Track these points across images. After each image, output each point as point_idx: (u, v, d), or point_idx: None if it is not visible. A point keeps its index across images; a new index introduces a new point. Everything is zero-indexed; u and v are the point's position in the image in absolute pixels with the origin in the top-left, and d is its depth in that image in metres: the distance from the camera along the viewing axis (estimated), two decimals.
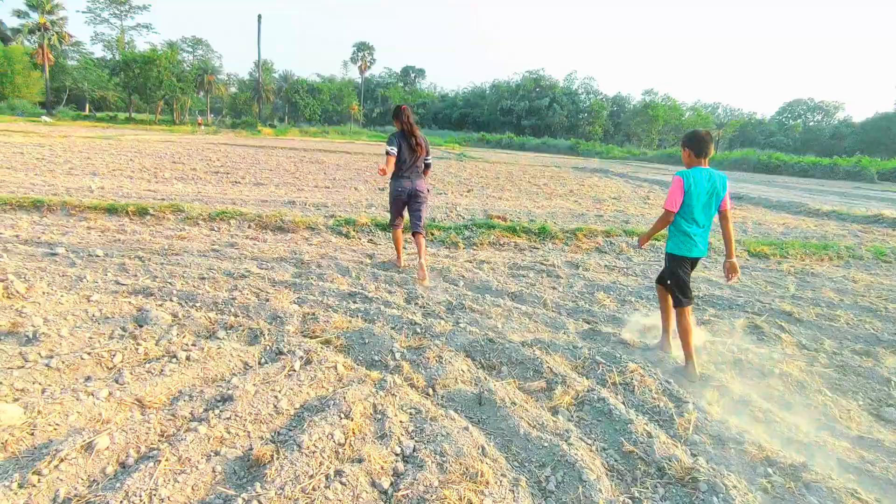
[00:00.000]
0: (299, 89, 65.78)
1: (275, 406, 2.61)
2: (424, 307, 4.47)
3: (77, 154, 15.70)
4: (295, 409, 2.65)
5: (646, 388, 3.11)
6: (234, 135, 42.19)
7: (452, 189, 13.31)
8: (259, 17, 56.97)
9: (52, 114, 52.69)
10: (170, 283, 4.51)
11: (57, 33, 52.08)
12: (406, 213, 5.60)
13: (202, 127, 48.64)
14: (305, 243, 6.45)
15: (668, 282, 3.58)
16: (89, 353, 2.94)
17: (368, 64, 77.90)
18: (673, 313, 3.63)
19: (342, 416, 2.51)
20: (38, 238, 5.58)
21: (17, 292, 3.78)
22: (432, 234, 7.24)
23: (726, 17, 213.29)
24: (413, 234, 5.52)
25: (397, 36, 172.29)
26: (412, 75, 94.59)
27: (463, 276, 5.44)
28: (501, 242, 7.23)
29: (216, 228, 6.79)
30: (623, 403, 2.97)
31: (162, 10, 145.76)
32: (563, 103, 78.33)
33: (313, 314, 3.89)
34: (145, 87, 51.84)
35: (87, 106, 72.49)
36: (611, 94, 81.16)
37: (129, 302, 3.77)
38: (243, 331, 3.44)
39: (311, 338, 3.52)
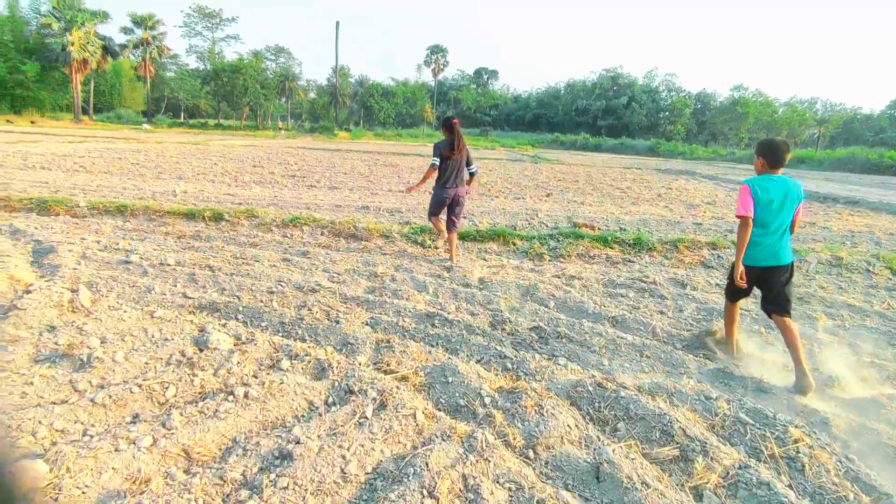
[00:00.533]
0: (374, 93, 67.09)
1: (342, 470, 2.11)
2: (513, 333, 3.86)
3: (167, 159, 16.46)
4: (366, 474, 2.14)
5: (820, 466, 2.34)
6: (311, 139, 43.61)
7: (530, 193, 12.59)
8: (337, 24, 58.66)
9: (151, 122, 57.00)
10: (237, 296, 4.20)
11: (157, 47, 56.17)
12: (444, 212, 5.94)
13: (282, 131, 50.73)
14: (379, 253, 6.04)
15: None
16: (140, 386, 2.59)
17: (442, 67, 78.24)
18: (796, 337, 3.25)
19: (425, 493, 1.97)
20: (117, 244, 5.52)
21: (82, 306, 3.56)
22: (514, 244, 6.62)
23: (823, 4, 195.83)
24: (448, 232, 5.93)
25: (471, 38, 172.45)
26: (485, 77, 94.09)
27: (553, 296, 4.78)
28: (591, 254, 6.48)
29: (289, 235, 6.54)
30: (792, 489, 2.22)
31: (248, 20, 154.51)
32: (642, 102, 74.86)
33: (388, 341, 3.40)
34: (232, 94, 54.78)
35: (182, 113, 78.08)
36: (694, 91, 76.66)
37: (192, 321, 3.44)
38: (310, 361, 2.99)
39: (385, 372, 3.02)
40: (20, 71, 46.45)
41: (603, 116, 76.10)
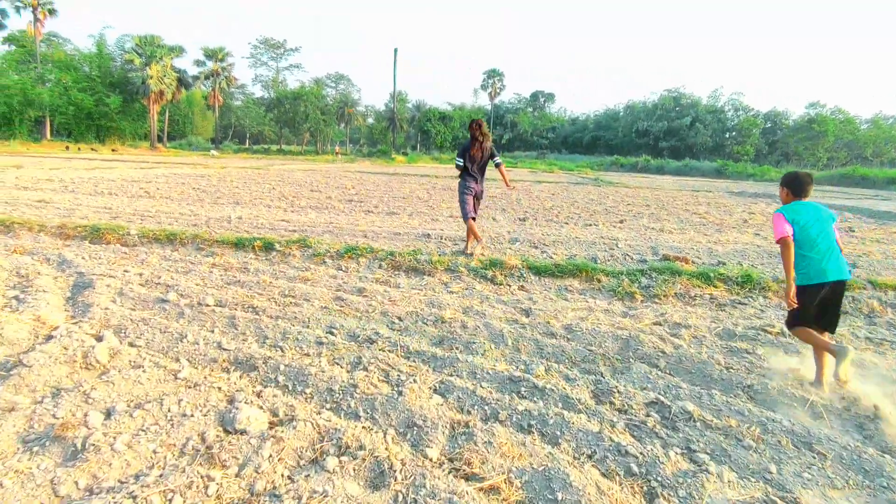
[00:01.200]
0: (431, 118, 67.69)
1: None
2: (625, 411, 2.94)
3: (228, 184, 16.57)
4: None
5: None
6: (369, 163, 44.12)
7: (602, 219, 11.54)
8: (395, 50, 59.76)
9: (219, 148, 59.76)
10: (280, 349, 3.51)
11: (226, 77, 59.11)
12: (473, 205, 6.68)
13: (339, 156, 51.87)
14: (445, 290, 5.26)
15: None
16: (135, 498, 1.88)
17: (498, 90, 78.20)
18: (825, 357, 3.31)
19: None
20: (159, 278, 5.02)
21: (98, 362, 2.96)
22: (599, 281, 5.68)
23: None
24: (472, 219, 6.62)
25: (527, 61, 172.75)
26: (541, 100, 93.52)
27: (661, 352, 3.82)
28: (692, 294, 5.44)
29: (344, 268, 5.90)
30: None
31: (309, 49, 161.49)
32: (706, 122, 71.69)
33: (466, 424, 2.58)
34: (294, 120, 56.67)
35: (247, 140, 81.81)
36: (763, 110, 72.70)
37: (220, 388, 2.76)
38: (364, 459, 2.21)
39: (466, 478, 2.19)
40: (105, 103, 49.97)
41: (665, 138, 73.33)
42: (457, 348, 3.70)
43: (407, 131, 71.91)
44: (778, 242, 3.25)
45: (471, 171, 6.51)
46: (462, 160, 6.50)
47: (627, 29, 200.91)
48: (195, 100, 70.52)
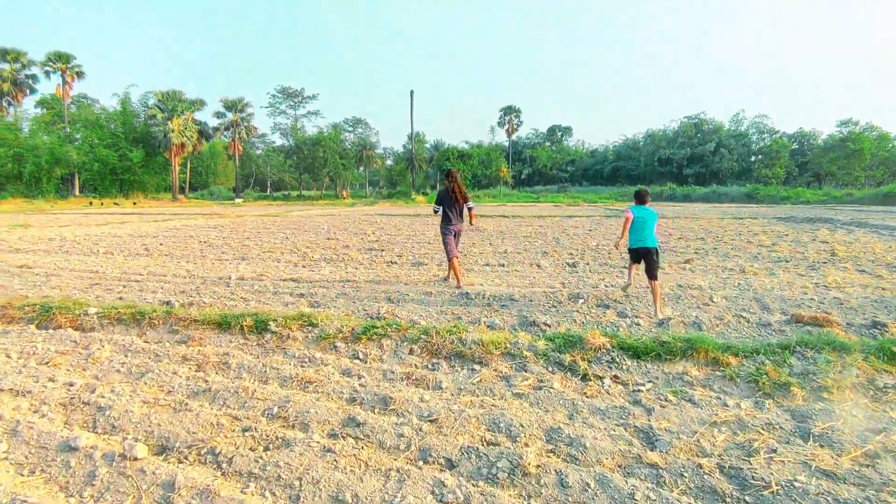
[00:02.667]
0: (450, 156, 67.12)
1: None
2: None
3: (239, 234, 15.30)
4: None
5: None
6: (389, 204, 43.14)
7: (663, 259, 9.77)
8: (412, 92, 59.67)
9: (240, 196, 59.81)
10: None
11: (245, 127, 59.65)
12: (454, 246, 7.13)
13: (347, 198, 51.90)
14: (509, 391, 3.56)
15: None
16: None
17: (515, 126, 77.43)
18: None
19: None
20: (91, 393, 3.44)
21: None
22: (726, 365, 3.92)
23: None
24: (453, 257, 7.04)
25: (542, 97, 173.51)
26: (559, 134, 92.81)
27: None
28: (880, 385, 3.62)
29: (361, 356, 4.26)
30: None
31: (327, 95, 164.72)
32: (731, 147, 69.52)
33: None
34: (313, 166, 56.47)
35: (269, 187, 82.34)
36: (790, 131, 70.27)
37: None
38: None
39: None
40: (128, 158, 50.42)
41: (689, 165, 71.32)
42: None
43: (426, 171, 71.35)
44: (625, 218, 5.83)
45: (449, 215, 7.18)
46: (440, 206, 7.22)
47: (637, 59, 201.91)
48: (217, 150, 71.39)
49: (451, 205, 7.17)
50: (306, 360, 4.13)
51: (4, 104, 50.55)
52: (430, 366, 4.04)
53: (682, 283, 7.40)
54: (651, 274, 5.66)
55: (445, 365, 4.05)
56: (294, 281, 7.71)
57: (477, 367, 3.99)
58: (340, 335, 4.55)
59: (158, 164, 55.32)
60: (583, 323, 5.21)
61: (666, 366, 3.97)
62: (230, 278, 7.91)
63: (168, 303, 5.99)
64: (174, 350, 4.38)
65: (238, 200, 52.29)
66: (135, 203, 44.09)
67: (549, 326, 5.00)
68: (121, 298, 6.40)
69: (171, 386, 3.60)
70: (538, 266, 9.09)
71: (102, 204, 42.18)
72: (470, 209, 7.38)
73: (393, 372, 3.89)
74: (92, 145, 48.71)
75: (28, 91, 51.97)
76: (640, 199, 6.02)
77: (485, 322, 5.12)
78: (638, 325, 5.09)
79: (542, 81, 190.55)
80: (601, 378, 3.77)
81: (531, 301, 6.15)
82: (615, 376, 3.84)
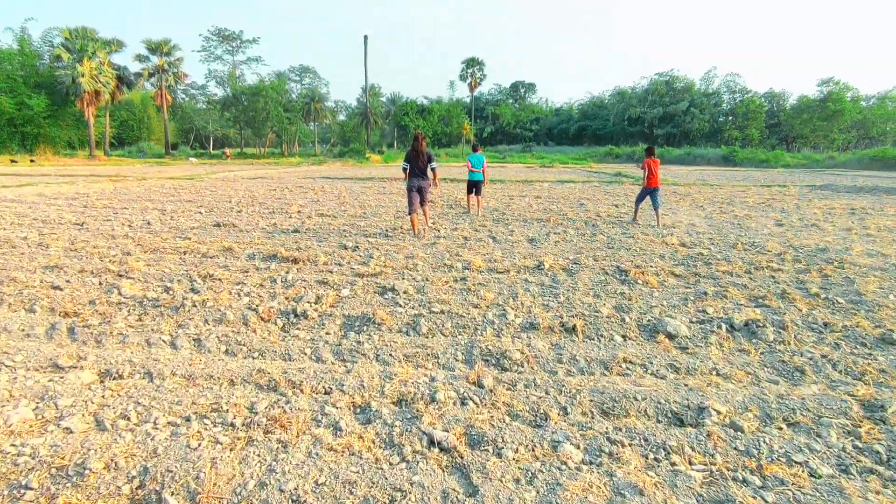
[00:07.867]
0: (408, 111, 61.19)
1: None
2: None
3: (98, 211, 10.34)
4: None
5: None
6: (340, 164, 37.72)
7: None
8: (365, 38, 53.02)
9: (170, 154, 52.63)
10: None
11: (173, 74, 51.98)
12: (417, 201, 7.91)
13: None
14: None
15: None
16: None
17: (479, 81, 71.69)
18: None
19: None
20: None
21: None
22: None
23: None
24: (421, 206, 8.06)
25: (504, 50, 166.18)
26: (522, 90, 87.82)
27: None
28: None
29: None
30: None
31: (270, 40, 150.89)
32: (702, 107, 66.34)
33: None
34: (254, 119, 49.87)
35: (212, 144, 74.24)
36: (761, 91, 67.56)
37: None
38: None
39: None
40: (28, 106, 42.51)
41: (660, 125, 67.98)
42: None
43: (382, 127, 65.22)
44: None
45: (415, 171, 7.85)
46: (408, 164, 7.90)
47: (609, 14, 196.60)
48: (149, 102, 62.63)
49: (415, 163, 7.83)
50: None
51: None
52: None
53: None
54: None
55: None
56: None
57: None
58: None
59: (71, 115, 47.26)
60: None
61: None
62: None
63: None
64: None
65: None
66: (32, 161, 36.97)
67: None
68: None
69: None
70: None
71: None
72: (433, 169, 7.98)
73: None
74: None
75: None
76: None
77: None
78: None
79: (507, 33, 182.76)
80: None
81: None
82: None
